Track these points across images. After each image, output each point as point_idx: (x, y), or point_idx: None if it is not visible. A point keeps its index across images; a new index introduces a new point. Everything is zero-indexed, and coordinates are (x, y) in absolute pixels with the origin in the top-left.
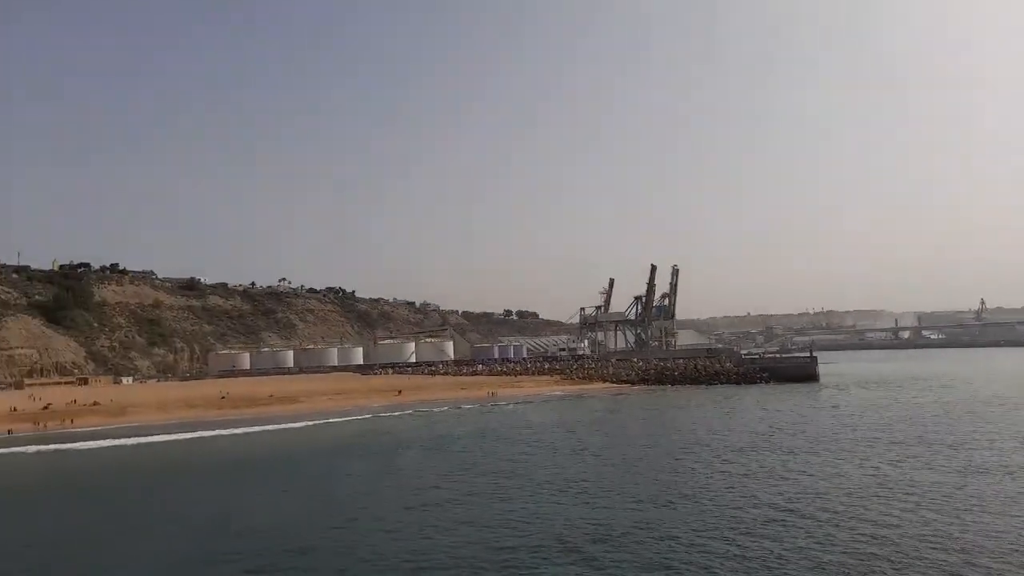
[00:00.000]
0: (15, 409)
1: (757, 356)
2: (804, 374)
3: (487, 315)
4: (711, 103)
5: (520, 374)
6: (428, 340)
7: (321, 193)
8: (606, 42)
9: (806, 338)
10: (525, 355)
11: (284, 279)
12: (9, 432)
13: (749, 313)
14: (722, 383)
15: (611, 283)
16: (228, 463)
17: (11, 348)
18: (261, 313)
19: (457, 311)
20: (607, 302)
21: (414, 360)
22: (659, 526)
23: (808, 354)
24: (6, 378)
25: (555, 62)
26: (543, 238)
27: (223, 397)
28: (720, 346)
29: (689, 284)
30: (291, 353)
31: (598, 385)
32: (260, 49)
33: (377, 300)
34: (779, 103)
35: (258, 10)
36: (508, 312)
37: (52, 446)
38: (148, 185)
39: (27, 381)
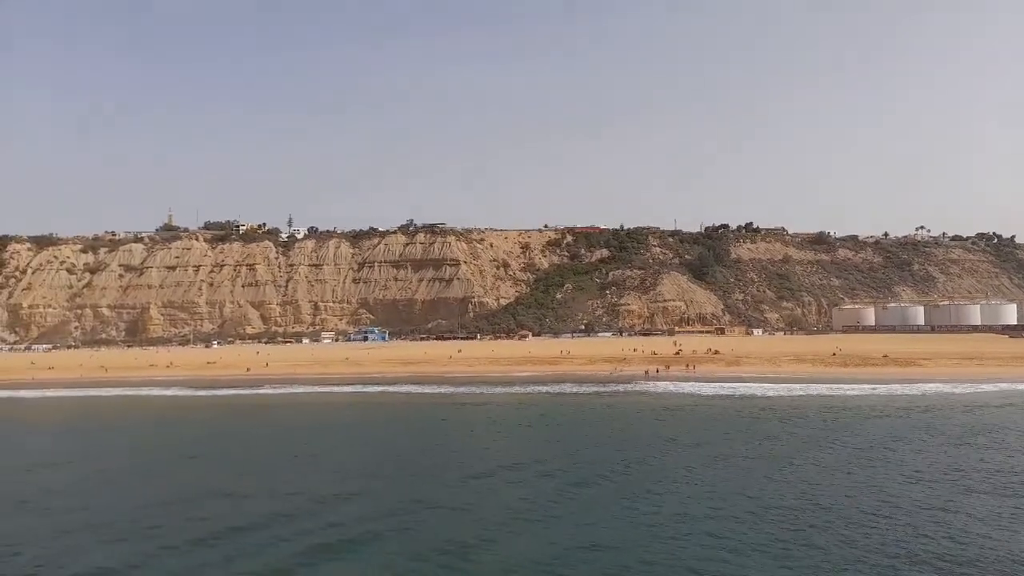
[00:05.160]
0: (655, 353)
1: None
2: None
3: None
4: None
5: None
6: None
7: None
8: None
9: None
10: None
11: (922, 227)
12: (650, 372)
13: None
14: None
15: None
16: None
17: (665, 300)
18: (894, 266)
19: None
20: None
21: None
22: None
23: None
24: (661, 326)
25: None
26: None
27: (834, 354)
28: None
29: None
30: (921, 309)
31: None
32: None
33: None
34: None
35: None
36: None
37: (668, 386)
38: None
39: (676, 329)
